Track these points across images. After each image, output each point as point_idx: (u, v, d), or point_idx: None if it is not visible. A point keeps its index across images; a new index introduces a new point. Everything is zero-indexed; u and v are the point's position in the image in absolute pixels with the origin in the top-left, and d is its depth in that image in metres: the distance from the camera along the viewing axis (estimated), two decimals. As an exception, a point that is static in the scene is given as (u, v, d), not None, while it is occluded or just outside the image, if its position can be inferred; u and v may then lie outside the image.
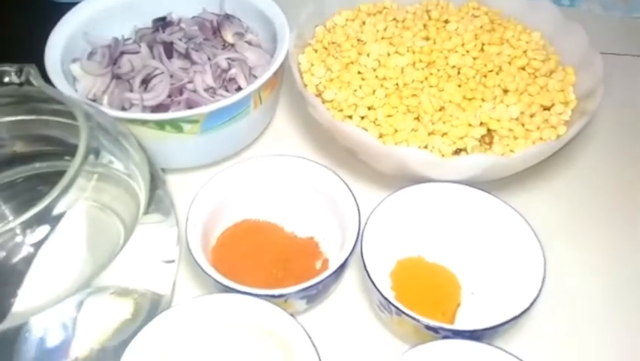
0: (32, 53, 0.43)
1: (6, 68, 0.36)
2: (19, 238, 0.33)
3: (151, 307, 0.38)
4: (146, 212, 0.37)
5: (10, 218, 0.41)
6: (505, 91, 0.45)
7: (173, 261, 0.41)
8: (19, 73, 0.36)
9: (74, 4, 0.51)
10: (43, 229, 0.34)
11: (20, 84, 0.36)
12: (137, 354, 0.34)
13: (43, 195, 0.43)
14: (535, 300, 0.36)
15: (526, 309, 0.36)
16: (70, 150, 0.40)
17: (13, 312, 0.34)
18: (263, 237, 0.44)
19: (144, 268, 0.39)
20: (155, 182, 0.38)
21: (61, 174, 0.43)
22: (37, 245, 0.34)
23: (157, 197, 0.38)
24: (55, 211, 0.33)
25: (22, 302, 0.35)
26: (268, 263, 0.42)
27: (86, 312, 0.35)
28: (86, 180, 0.34)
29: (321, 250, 0.44)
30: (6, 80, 0.36)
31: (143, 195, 0.38)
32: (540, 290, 0.37)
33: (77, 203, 0.34)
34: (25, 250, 0.35)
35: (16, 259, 0.35)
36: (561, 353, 0.40)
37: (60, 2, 0.56)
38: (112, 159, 0.38)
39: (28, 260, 0.34)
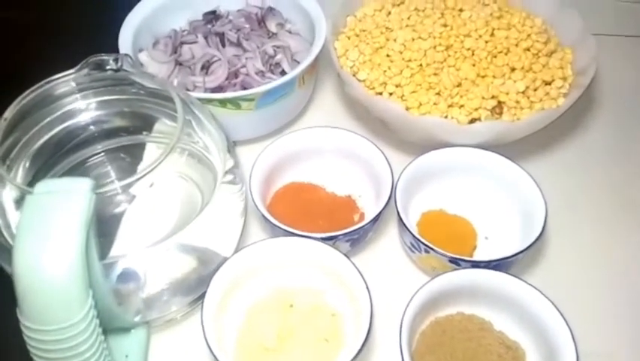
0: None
1: (105, 57, 0.44)
2: (118, 197, 0.42)
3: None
4: (222, 180, 0.43)
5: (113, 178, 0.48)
6: (513, 69, 0.52)
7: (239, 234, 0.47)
8: (116, 61, 0.44)
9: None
10: (136, 192, 0.41)
11: (117, 70, 0.44)
12: (220, 284, 0.42)
13: (126, 163, 0.51)
14: (537, 239, 0.44)
15: (529, 247, 0.44)
16: (149, 125, 0.49)
17: (112, 253, 0.41)
18: (308, 196, 0.52)
19: (215, 231, 0.45)
20: (229, 151, 0.45)
21: (139, 146, 0.51)
22: (130, 202, 0.42)
23: (230, 164, 0.45)
24: (147, 179, 0.39)
25: (118, 246, 0.43)
26: (314, 216, 0.50)
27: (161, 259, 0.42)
28: (178, 155, 0.42)
29: (358, 205, 0.51)
30: (107, 67, 0.44)
31: (220, 166, 0.44)
32: (542, 231, 0.44)
33: (166, 175, 0.41)
34: (122, 207, 0.43)
35: (115, 212, 0.43)
36: (568, 281, 0.48)
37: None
38: (194, 136, 0.45)
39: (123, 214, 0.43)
